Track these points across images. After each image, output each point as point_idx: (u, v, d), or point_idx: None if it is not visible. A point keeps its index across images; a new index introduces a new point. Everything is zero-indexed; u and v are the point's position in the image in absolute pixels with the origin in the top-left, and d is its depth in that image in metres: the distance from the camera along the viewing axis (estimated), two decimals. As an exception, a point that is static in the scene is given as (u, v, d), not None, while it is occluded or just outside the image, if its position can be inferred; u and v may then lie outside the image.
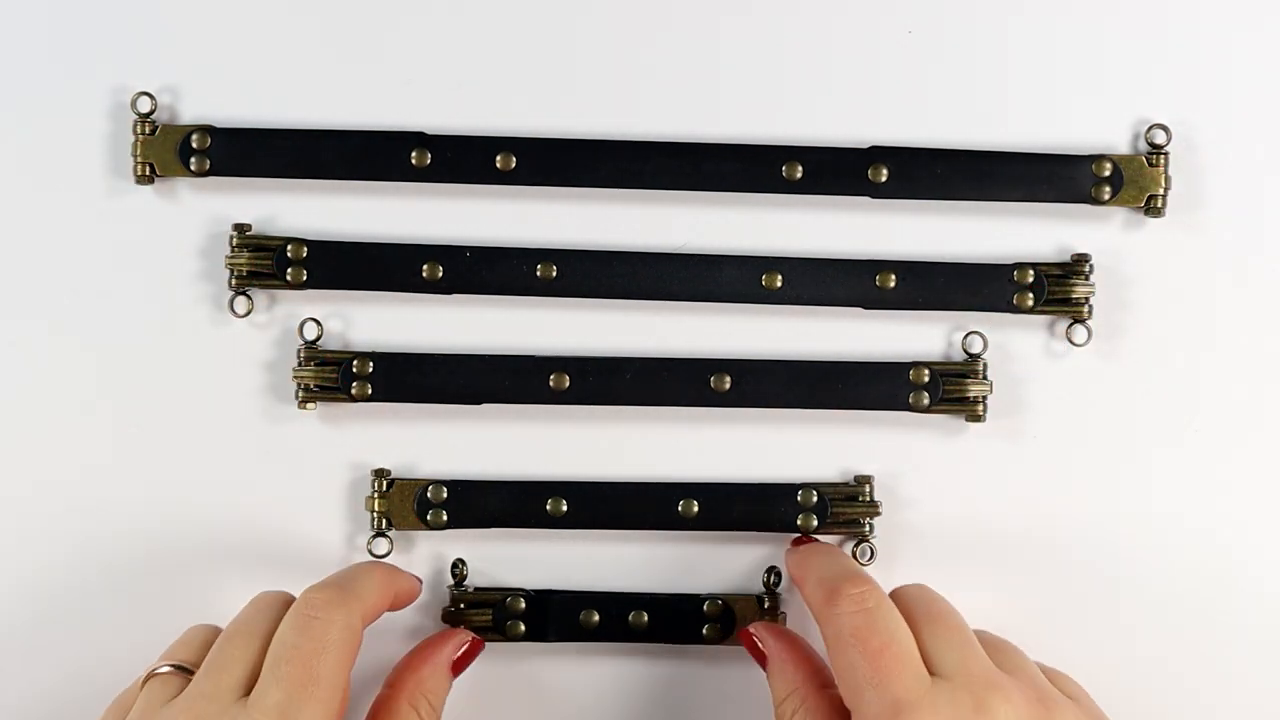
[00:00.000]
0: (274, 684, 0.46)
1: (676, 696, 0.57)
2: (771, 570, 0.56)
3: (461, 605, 0.55)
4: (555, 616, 0.55)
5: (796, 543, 0.55)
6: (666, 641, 0.56)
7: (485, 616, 0.55)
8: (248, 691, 0.47)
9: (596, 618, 0.55)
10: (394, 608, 0.53)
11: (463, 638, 0.53)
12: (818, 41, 0.57)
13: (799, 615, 0.56)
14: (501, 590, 0.56)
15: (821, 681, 0.50)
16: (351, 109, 0.57)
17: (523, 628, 0.55)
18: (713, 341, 0.57)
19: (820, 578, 0.50)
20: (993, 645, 0.50)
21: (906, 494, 0.57)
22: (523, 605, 0.55)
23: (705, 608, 0.55)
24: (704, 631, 0.55)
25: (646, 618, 0.55)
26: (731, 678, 0.56)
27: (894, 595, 0.51)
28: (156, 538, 0.56)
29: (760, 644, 0.52)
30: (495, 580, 0.56)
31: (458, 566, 0.56)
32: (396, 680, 0.52)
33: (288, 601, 0.50)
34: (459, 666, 0.53)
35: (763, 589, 0.56)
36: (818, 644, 0.51)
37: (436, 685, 0.52)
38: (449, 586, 0.56)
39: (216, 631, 0.51)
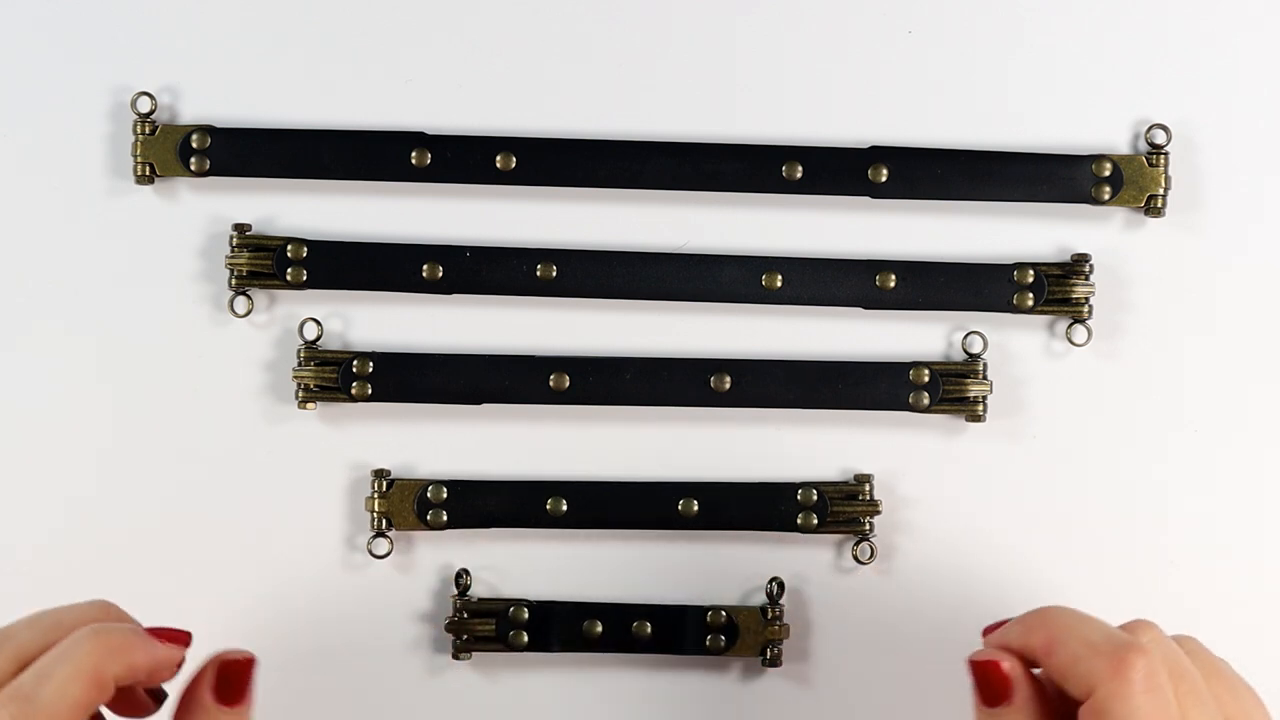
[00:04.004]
0: None
1: (676, 704, 0.57)
2: (774, 580, 0.56)
3: (465, 615, 0.55)
4: (558, 626, 0.55)
5: (990, 630, 0.47)
6: (669, 652, 0.55)
7: (488, 626, 0.55)
8: None
9: (599, 628, 0.55)
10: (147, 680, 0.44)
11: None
12: (818, 41, 0.57)
13: (800, 626, 0.56)
14: (504, 600, 0.55)
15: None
16: (351, 109, 0.57)
17: (525, 638, 0.55)
18: (713, 341, 0.57)
19: (1088, 641, 0.43)
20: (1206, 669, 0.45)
21: (906, 494, 0.57)
22: (525, 615, 0.55)
23: (709, 619, 0.55)
24: (707, 642, 0.55)
25: (650, 628, 0.55)
26: (730, 683, 0.56)
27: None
28: (156, 537, 0.56)
29: (1015, 683, 0.44)
30: (495, 582, 0.56)
31: (462, 577, 0.56)
32: None
33: (76, 623, 0.43)
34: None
35: (766, 600, 0.56)
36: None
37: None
38: (452, 596, 0.55)
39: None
